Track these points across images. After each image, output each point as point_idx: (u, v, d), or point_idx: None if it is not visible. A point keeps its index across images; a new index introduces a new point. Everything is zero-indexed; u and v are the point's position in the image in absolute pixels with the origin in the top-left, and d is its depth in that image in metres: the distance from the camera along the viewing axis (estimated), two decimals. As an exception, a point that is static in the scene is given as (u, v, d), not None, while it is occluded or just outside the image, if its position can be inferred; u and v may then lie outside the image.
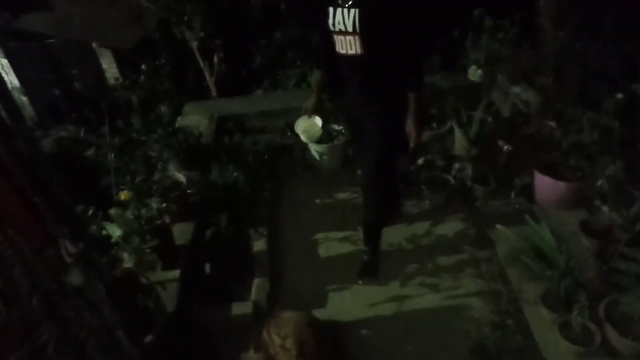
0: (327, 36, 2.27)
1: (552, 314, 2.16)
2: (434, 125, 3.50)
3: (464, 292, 2.65)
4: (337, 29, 2.18)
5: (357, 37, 2.14)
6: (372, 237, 2.76)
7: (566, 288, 2.14)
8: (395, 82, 2.27)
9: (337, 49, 2.26)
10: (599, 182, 2.47)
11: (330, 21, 2.17)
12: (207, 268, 2.78)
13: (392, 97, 2.33)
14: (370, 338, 2.53)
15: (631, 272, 1.87)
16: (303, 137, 3.08)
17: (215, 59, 4.34)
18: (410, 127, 2.31)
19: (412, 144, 2.34)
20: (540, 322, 2.20)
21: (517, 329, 2.31)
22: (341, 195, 3.47)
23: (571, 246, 2.33)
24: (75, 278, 1.28)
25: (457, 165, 3.17)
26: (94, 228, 2.36)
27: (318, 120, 3.02)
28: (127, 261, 2.29)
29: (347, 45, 2.20)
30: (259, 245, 3.01)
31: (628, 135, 2.46)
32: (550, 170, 2.64)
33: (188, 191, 2.93)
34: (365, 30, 2.12)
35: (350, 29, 2.13)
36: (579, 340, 2.02)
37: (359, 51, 2.18)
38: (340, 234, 3.10)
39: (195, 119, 3.77)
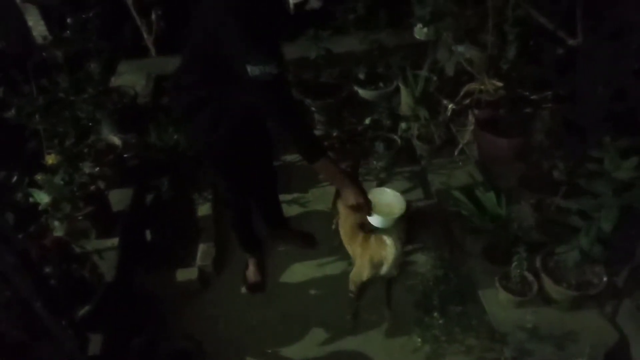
0: None
1: (493, 266, 2.22)
2: (381, 84, 3.46)
3: (409, 248, 2.69)
4: None
5: None
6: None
7: (506, 241, 2.21)
8: None
9: None
10: (538, 137, 2.53)
11: None
12: (148, 235, 2.67)
13: None
14: (320, 296, 2.55)
15: (566, 223, 1.93)
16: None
17: (154, 15, 4.07)
18: None
19: None
20: (481, 274, 2.26)
21: (459, 281, 2.37)
22: (288, 158, 3.41)
23: (511, 200, 2.38)
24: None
25: (403, 125, 3.17)
26: (19, 195, 2.19)
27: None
28: (58, 230, 2.15)
29: None
30: (204, 209, 2.92)
31: (567, 89, 2.51)
32: (491, 126, 2.67)
33: (124, 155, 2.77)
34: None
35: None
36: (517, 290, 2.10)
37: None
38: (288, 196, 3.06)
39: (130, 78, 3.55)
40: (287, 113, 1.73)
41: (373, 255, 2.04)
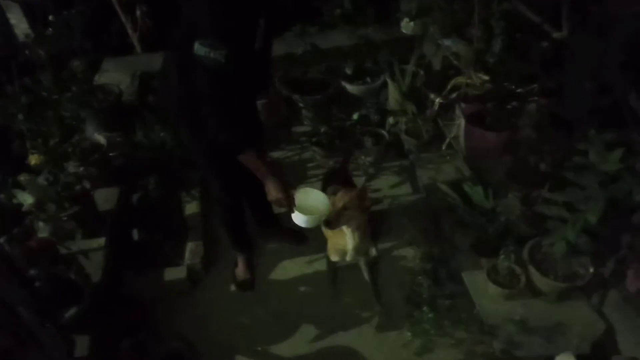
0: None
1: (481, 259, 2.23)
2: (368, 79, 3.45)
3: (398, 243, 2.70)
4: None
5: None
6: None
7: (494, 234, 2.22)
8: None
9: None
10: (525, 131, 2.54)
11: None
12: (135, 234, 2.64)
13: None
14: (310, 293, 2.54)
15: (552, 215, 1.94)
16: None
17: (138, 12, 4.01)
18: None
19: None
20: (470, 268, 2.27)
21: (448, 275, 2.38)
22: (276, 154, 3.40)
23: (498, 194, 2.40)
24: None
25: (391, 120, 3.17)
26: (2, 197, 2.16)
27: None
28: (43, 231, 2.12)
29: None
30: (192, 207, 2.90)
31: (553, 83, 2.53)
32: (479, 121, 2.68)
33: (110, 154, 2.74)
34: None
35: None
36: (506, 283, 2.11)
37: None
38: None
39: (115, 76, 3.50)
40: (214, 108, 1.72)
41: (335, 242, 2.22)
